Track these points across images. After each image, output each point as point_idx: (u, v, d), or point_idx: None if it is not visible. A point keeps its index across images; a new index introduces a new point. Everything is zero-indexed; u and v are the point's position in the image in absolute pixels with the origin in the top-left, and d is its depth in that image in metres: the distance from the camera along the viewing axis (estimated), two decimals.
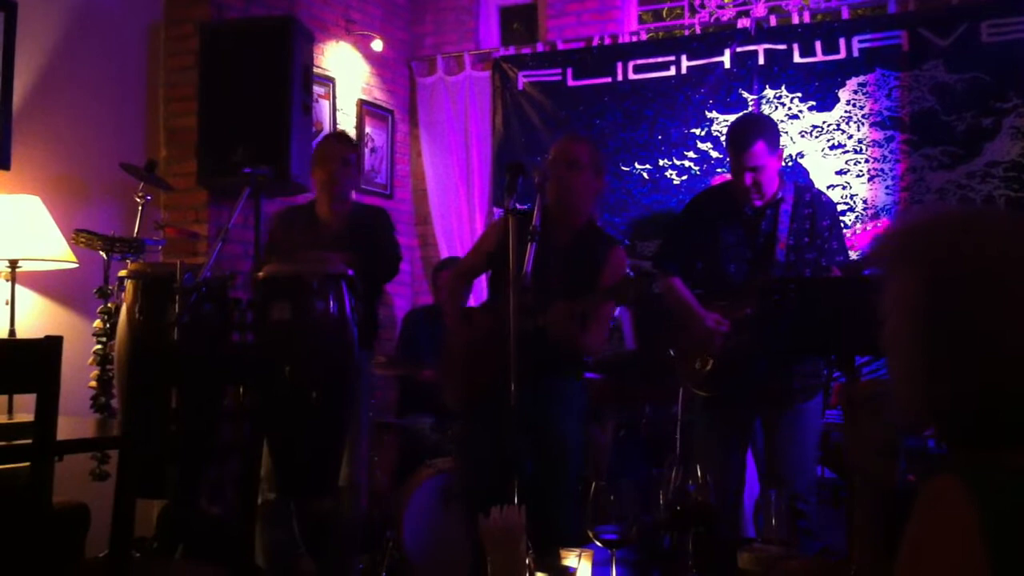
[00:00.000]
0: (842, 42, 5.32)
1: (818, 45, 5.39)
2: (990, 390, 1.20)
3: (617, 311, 4.47)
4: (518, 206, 2.81)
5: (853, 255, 3.92)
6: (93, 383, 3.81)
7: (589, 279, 3.30)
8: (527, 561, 1.91)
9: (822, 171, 5.31)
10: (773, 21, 5.54)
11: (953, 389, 1.22)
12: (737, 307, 3.47)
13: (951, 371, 1.22)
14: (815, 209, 3.52)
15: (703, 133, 5.62)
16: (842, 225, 3.97)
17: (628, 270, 3.43)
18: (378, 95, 6.30)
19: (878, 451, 1.49)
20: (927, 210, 1.34)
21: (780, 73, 5.46)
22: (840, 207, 5.22)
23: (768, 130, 3.52)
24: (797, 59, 5.43)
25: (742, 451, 3.60)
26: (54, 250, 3.89)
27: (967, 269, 1.22)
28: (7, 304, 3.83)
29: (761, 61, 5.51)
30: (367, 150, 6.16)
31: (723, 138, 5.54)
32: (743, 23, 5.62)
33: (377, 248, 3.83)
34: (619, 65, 5.85)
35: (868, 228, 3.85)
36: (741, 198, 3.51)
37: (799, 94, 5.41)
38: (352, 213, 3.96)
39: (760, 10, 5.75)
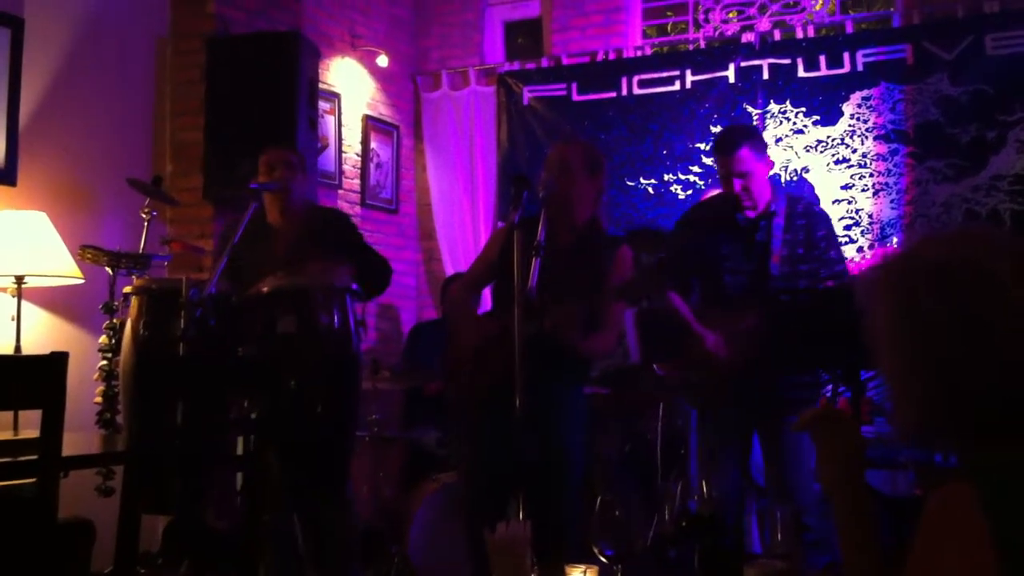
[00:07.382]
0: (846, 56, 5.34)
1: (822, 59, 5.40)
2: (988, 391, 1.21)
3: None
4: (520, 215, 2.80)
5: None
6: (99, 399, 3.82)
7: (594, 280, 3.22)
8: None
9: (827, 185, 5.31)
10: (777, 36, 5.56)
11: (951, 394, 1.24)
12: (735, 320, 3.46)
13: (938, 379, 1.24)
14: (809, 220, 3.50)
15: (708, 147, 5.60)
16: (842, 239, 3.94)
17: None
18: (383, 110, 6.32)
19: (844, 467, 1.53)
20: (896, 250, 1.40)
21: (784, 87, 5.47)
22: (846, 222, 5.22)
23: (753, 137, 3.52)
24: (801, 73, 5.44)
25: (739, 463, 3.55)
26: (60, 266, 3.90)
27: (937, 287, 1.25)
28: (13, 320, 3.84)
29: (765, 75, 5.52)
30: (372, 165, 6.18)
31: None
32: (747, 37, 5.63)
33: (364, 260, 3.75)
34: (624, 80, 5.87)
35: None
36: (734, 208, 3.49)
37: (803, 108, 5.42)
38: (307, 218, 3.76)
39: (764, 25, 5.76)
